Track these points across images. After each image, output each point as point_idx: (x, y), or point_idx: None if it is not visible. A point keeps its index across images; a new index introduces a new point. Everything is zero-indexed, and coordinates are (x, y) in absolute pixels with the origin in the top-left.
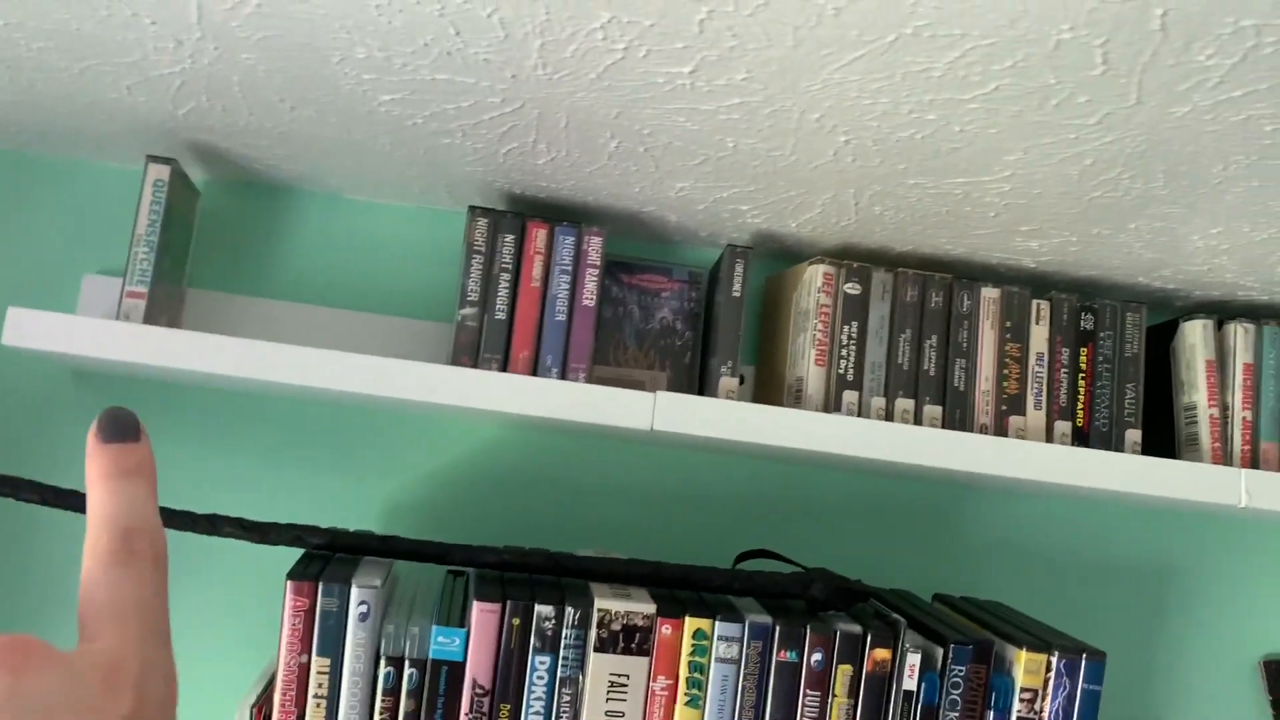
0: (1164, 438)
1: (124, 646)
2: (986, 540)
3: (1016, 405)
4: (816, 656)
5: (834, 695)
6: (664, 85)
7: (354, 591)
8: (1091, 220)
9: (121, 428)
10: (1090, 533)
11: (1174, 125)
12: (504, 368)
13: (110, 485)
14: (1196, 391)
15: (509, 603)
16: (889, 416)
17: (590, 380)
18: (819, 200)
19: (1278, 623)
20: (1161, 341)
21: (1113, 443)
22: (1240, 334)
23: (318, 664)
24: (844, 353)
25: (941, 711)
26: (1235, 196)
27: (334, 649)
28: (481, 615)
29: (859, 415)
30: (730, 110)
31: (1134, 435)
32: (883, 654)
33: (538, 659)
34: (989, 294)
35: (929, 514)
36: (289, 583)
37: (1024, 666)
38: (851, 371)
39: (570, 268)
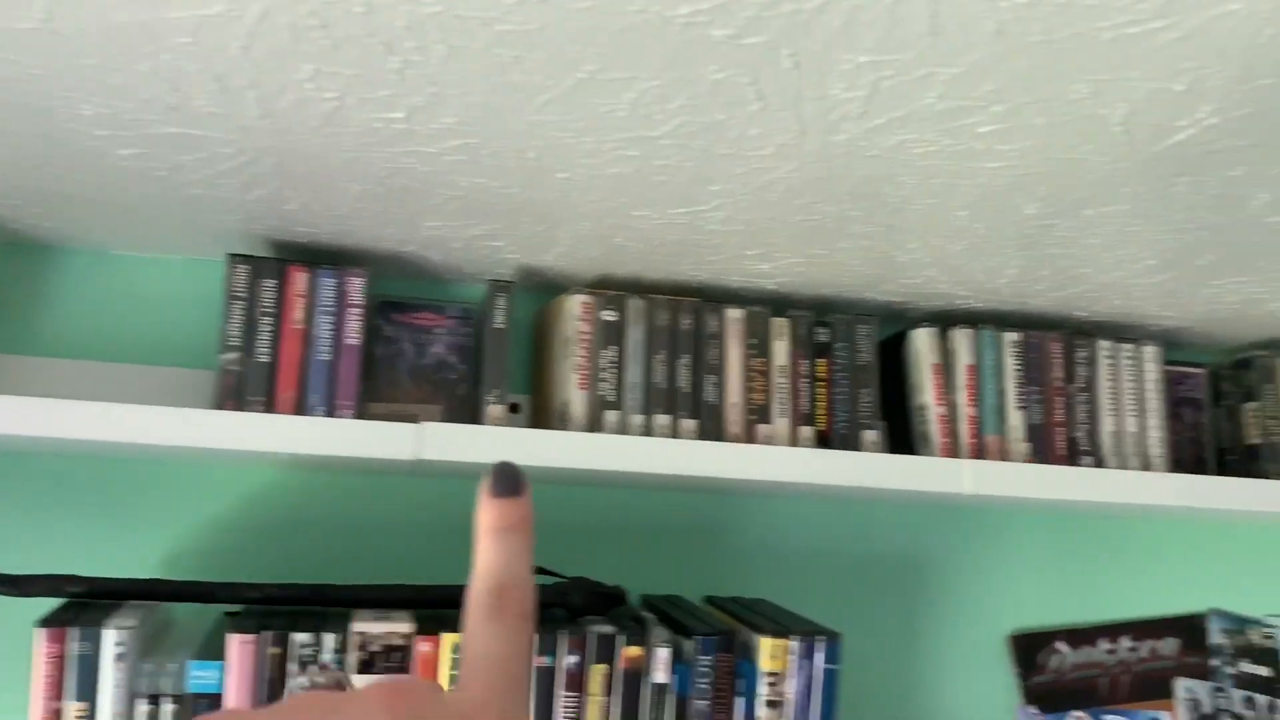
0: (905, 437)
1: (486, 699)
2: (754, 543)
3: (763, 414)
4: (572, 659)
5: (590, 694)
6: (384, 130)
7: (108, 634)
8: (805, 242)
9: (509, 483)
10: (849, 529)
11: (841, 152)
12: (269, 409)
13: (493, 539)
14: (925, 393)
15: (265, 633)
16: (648, 432)
17: (361, 417)
18: (562, 234)
19: (1021, 600)
20: (897, 350)
21: (852, 443)
22: (962, 339)
23: (76, 709)
24: (604, 375)
25: (692, 700)
26: (916, 214)
27: (89, 692)
28: (238, 647)
29: (621, 433)
30: (454, 152)
31: (871, 435)
32: (635, 651)
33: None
34: (733, 315)
35: (699, 523)
36: (40, 630)
37: (767, 652)
38: (612, 392)
39: (333, 308)
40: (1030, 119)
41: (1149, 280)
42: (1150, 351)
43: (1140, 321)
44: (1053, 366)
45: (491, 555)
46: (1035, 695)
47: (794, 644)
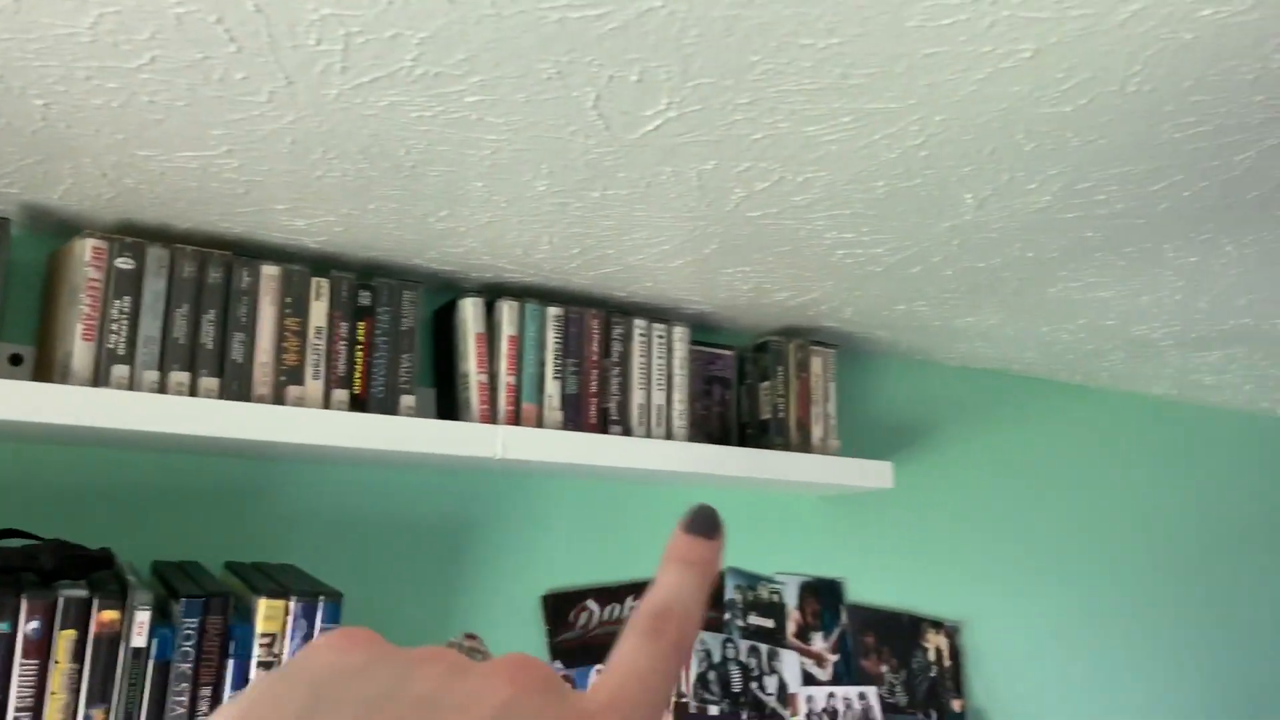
0: (453, 404)
1: (614, 703)
2: (286, 509)
3: (295, 376)
4: (33, 625)
5: (56, 662)
6: None
7: None
8: (333, 200)
9: (704, 525)
10: (389, 495)
11: (337, 108)
12: None
13: (675, 568)
14: (469, 361)
15: None
16: (163, 389)
17: None
18: (63, 169)
19: (555, 561)
20: (450, 319)
21: (390, 408)
22: (507, 311)
23: None
24: (115, 327)
25: (175, 664)
26: (434, 181)
27: None
28: None
29: (130, 389)
30: None
31: (409, 400)
32: (111, 615)
33: None
34: (269, 271)
35: (225, 488)
36: None
37: (264, 614)
38: (123, 346)
39: None
40: (510, 93)
41: (669, 265)
42: (680, 332)
43: (674, 304)
44: (591, 341)
45: (668, 581)
46: (563, 651)
47: (293, 605)
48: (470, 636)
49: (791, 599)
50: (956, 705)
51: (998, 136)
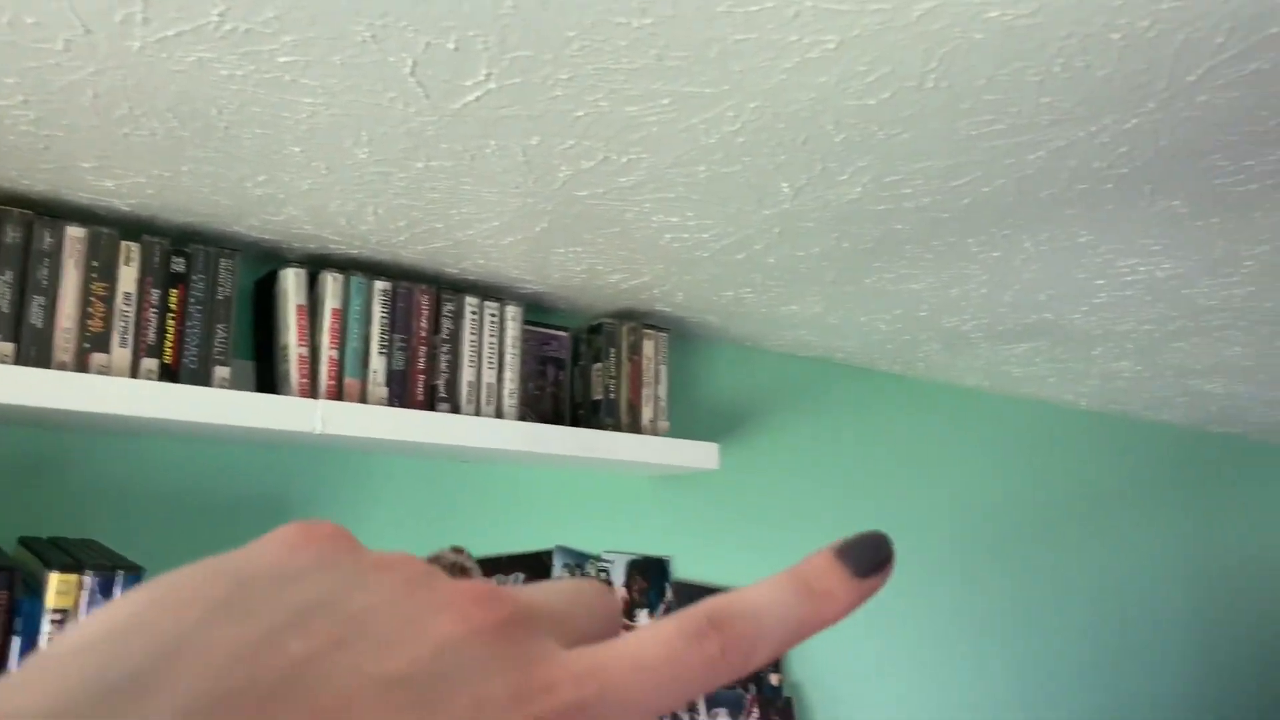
0: (272, 377)
1: (590, 675)
2: (96, 484)
3: (101, 343)
4: None
5: None
6: None
7: None
8: (142, 160)
9: (860, 557)
10: (202, 469)
11: (142, 61)
12: None
13: (786, 584)
14: (289, 333)
15: None
16: None
17: None
18: None
19: (382, 540)
20: (271, 289)
21: (202, 379)
22: (330, 283)
23: None
24: None
25: None
26: (250, 144)
27: None
28: None
29: None
30: None
31: (224, 372)
32: None
33: None
34: (74, 233)
35: (23, 460)
36: None
37: (55, 588)
38: None
39: None
40: (326, 55)
41: (500, 242)
42: (513, 311)
43: (508, 283)
44: (420, 317)
45: (763, 593)
46: None
47: (88, 579)
48: (458, 550)
49: (619, 577)
50: (774, 679)
51: (809, 126)
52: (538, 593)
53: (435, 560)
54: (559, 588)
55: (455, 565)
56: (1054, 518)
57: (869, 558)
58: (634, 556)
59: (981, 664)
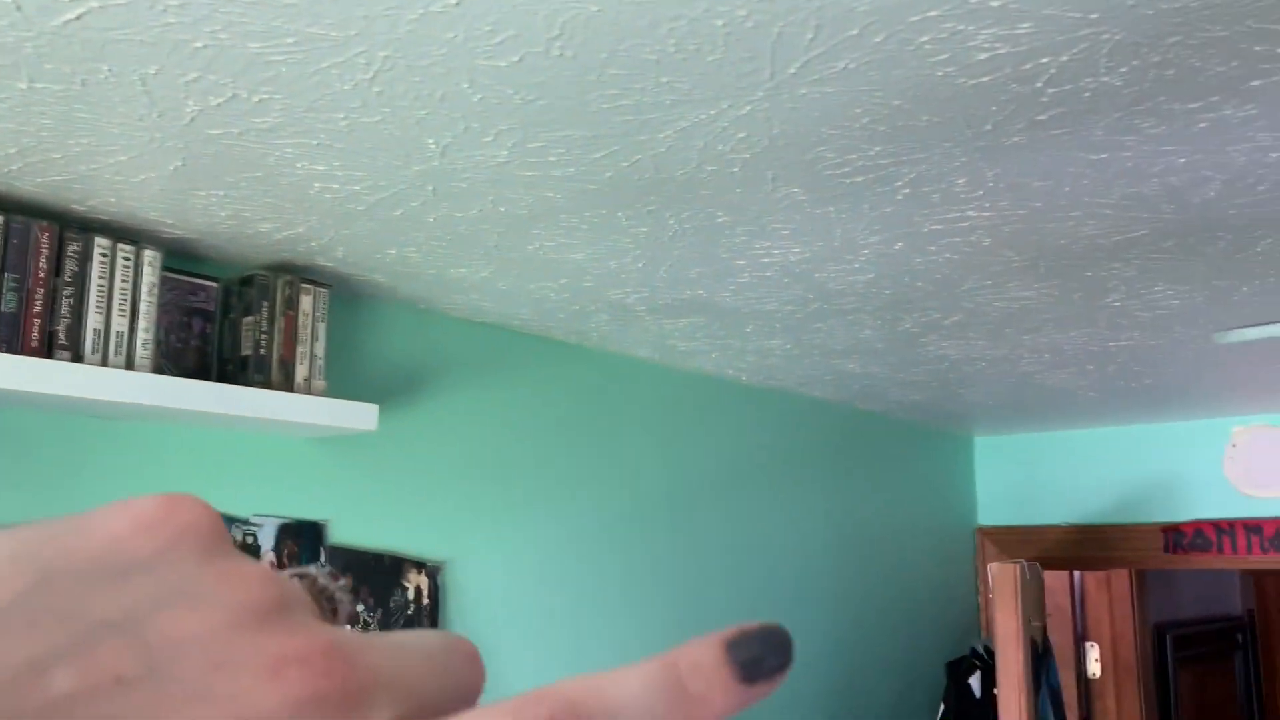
0: None
1: None
2: None
3: None
4: None
5: None
6: None
7: None
8: None
9: (752, 654)
10: None
11: None
12: None
13: (656, 675)
14: None
15: None
16: None
17: None
18: None
19: None
20: None
21: None
22: None
23: None
24: None
25: None
26: None
27: None
28: None
29: None
30: None
31: None
32: None
33: None
34: None
35: None
36: None
37: None
38: None
39: None
40: None
41: (131, 180)
42: (150, 255)
43: (147, 226)
44: (39, 256)
45: (627, 684)
46: None
47: None
48: (332, 575)
49: (268, 541)
50: None
51: (445, 83)
52: (391, 654)
53: (301, 580)
54: (423, 646)
55: (323, 592)
56: (717, 486)
57: (764, 661)
58: (285, 520)
59: (642, 618)
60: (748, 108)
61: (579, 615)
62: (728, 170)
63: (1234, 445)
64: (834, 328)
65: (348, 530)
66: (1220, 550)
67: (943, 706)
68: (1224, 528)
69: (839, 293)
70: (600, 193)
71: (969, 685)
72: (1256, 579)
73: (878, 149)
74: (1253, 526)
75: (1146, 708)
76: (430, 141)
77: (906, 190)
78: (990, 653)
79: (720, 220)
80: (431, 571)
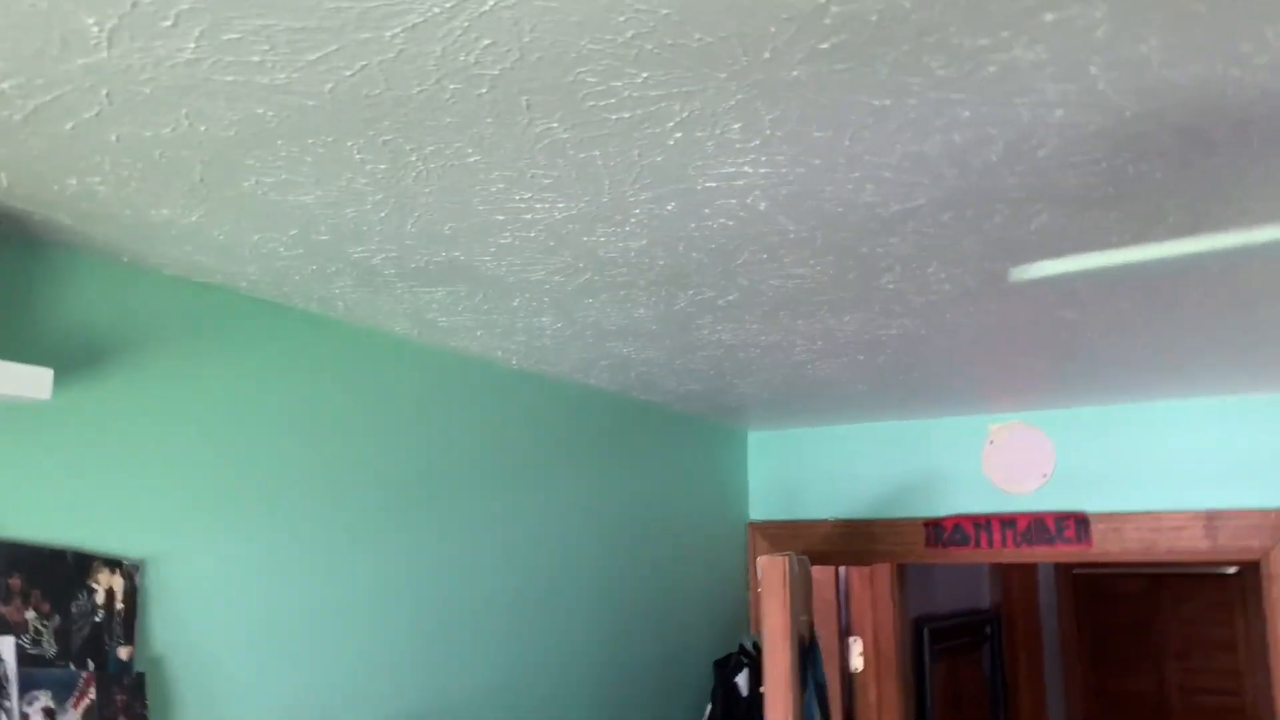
0: None
1: None
2: None
3: None
4: None
5: None
6: None
7: None
8: None
9: None
10: None
11: None
12: None
13: None
14: None
15: None
16: None
17: None
18: None
19: None
20: None
21: None
22: None
23: None
24: None
25: None
26: None
27: None
28: None
29: None
30: None
31: None
32: None
33: None
34: None
35: None
36: None
37: None
38: None
39: None
40: None
41: None
42: None
43: None
44: None
45: None
46: None
47: None
48: None
49: None
50: (124, 653)
51: None
52: None
53: None
54: None
55: None
56: (482, 477)
57: None
58: None
59: (392, 611)
60: (491, 1)
61: (317, 619)
62: (474, 91)
63: (992, 442)
64: (606, 304)
65: (19, 521)
66: (977, 544)
67: (710, 706)
68: (981, 522)
69: (611, 261)
70: (323, 112)
71: (735, 684)
72: (1003, 573)
73: (645, 75)
74: (1007, 521)
75: (905, 699)
76: (90, 22)
77: (679, 134)
78: (759, 649)
79: (472, 160)
80: (127, 571)
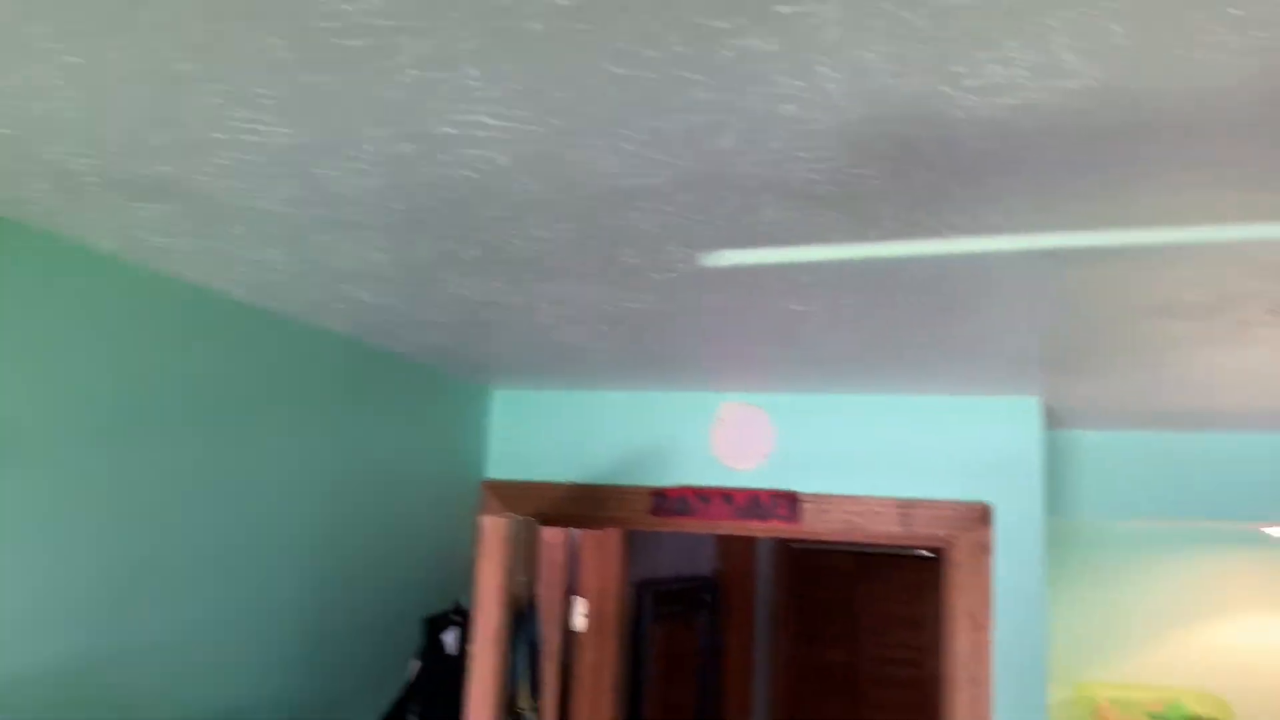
0: None
1: None
2: None
3: None
4: None
5: None
6: None
7: None
8: None
9: None
10: None
11: None
12: None
13: None
14: None
15: None
16: None
17: None
18: None
19: None
20: None
21: None
22: None
23: None
24: None
25: None
26: None
27: None
28: None
29: None
30: None
31: None
32: None
33: None
34: None
35: None
36: None
37: None
38: None
39: None
40: None
41: None
42: None
43: None
44: None
45: None
46: None
47: None
48: None
49: None
50: None
51: None
52: None
53: None
54: None
55: None
56: (192, 415)
57: None
58: None
59: (65, 565)
60: None
61: None
62: None
63: (721, 419)
64: (340, 243)
65: None
66: (699, 515)
67: (416, 663)
68: (703, 495)
69: (344, 199)
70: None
71: (443, 641)
72: (728, 544)
73: (376, 2)
74: (727, 495)
75: (621, 659)
76: None
77: (414, 71)
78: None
79: (181, 68)
80: None
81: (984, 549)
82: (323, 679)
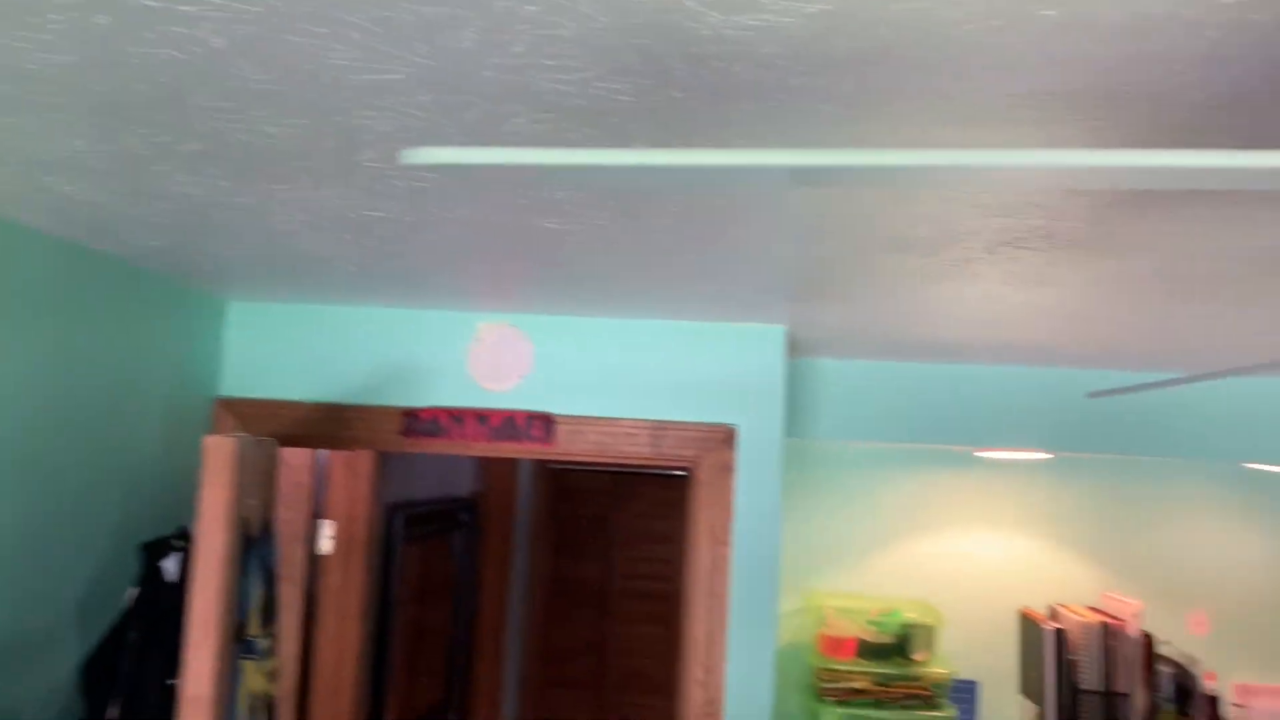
0: None
1: None
2: None
3: None
4: None
5: None
6: None
7: None
8: None
9: None
10: None
11: None
12: None
13: None
14: None
15: None
16: None
17: None
18: None
19: None
20: None
21: None
22: None
23: None
24: None
25: None
26: None
27: None
28: None
29: None
30: None
31: None
32: None
33: None
34: None
35: None
36: None
37: None
38: None
39: None
40: None
41: None
42: None
43: None
44: None
45: None
46: None
47: None
48: None
49: None
50: None
51: None
52: None
53: None
54: None
55: None
56: None
57: None
58: None
59: None
60: None
61: None
62: None
63: (478, 340)
64: (34, 127)
65: None
66: (452, 436)
67: (134, 589)
68: (457, 415)
69: (35, 76)
70: None
71: (162, 567)
72: (488, 465)
73: None
74: (482, 416)
75: (370, 581)
76: None
77: None
78: None
79: None
80: None
81: (727, 469)
82: (30, 609)
